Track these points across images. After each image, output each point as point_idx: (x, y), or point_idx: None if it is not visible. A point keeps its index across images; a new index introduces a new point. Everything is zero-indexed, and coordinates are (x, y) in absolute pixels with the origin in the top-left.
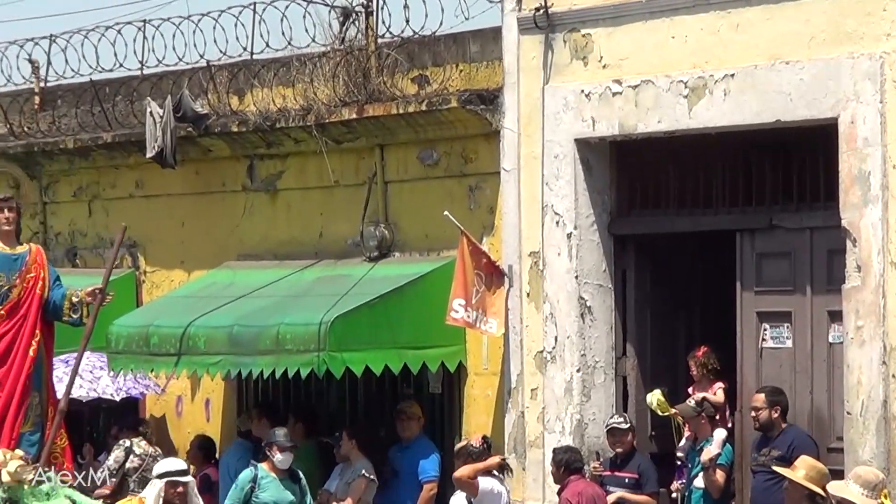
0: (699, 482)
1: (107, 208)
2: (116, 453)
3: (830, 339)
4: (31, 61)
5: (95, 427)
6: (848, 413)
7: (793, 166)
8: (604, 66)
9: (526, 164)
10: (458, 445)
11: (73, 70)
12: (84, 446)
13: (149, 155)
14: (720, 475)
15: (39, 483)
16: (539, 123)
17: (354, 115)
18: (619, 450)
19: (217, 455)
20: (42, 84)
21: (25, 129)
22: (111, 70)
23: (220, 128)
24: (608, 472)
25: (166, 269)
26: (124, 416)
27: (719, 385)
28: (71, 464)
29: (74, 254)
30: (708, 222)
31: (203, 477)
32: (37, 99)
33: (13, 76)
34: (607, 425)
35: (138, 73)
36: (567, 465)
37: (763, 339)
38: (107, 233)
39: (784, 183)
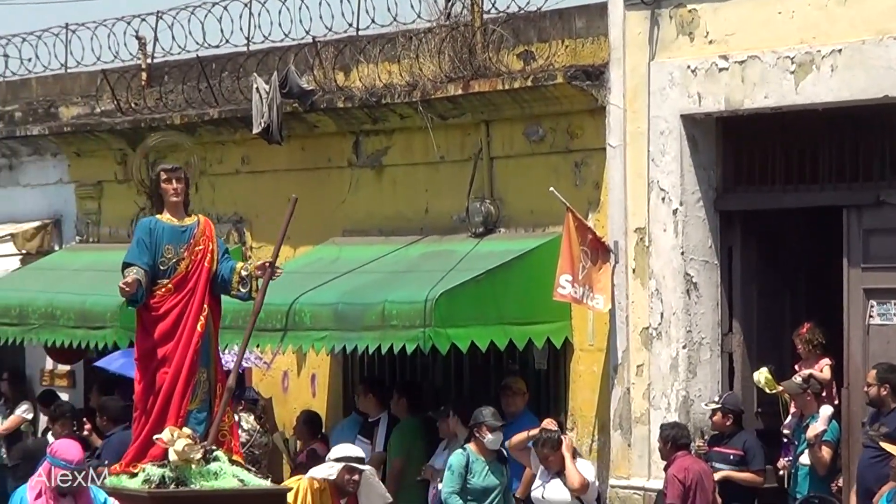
0: (805, 459)
1: (213, 184)
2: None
3: None
4: (138, 38)
5: None
6: None
7: None
8: (710, 42)
9: (632, 140)
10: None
11: (179, 46)
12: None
13: (255, 131)
14: (826, 452)
15: (207, 462)
16: (645, 99)
17: (460, 91)
18: (715, 432)
19: (323, 430)
20: (149, 60)
21: (132, 105)
22: (217, 46)
23: (326, 104)
24: (714, 449)
25: (272, 244)
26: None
27: (825, 361)
28: (238, 441)
29: None
30: (814, 198)
31: (310, 452)
32: (144, 75)
33: (121, 52)
34: (705, 404)
35: (245, 49)
36: (674, 440)
37: (870, 316)
38: (213, 209)
39: (892, 159)
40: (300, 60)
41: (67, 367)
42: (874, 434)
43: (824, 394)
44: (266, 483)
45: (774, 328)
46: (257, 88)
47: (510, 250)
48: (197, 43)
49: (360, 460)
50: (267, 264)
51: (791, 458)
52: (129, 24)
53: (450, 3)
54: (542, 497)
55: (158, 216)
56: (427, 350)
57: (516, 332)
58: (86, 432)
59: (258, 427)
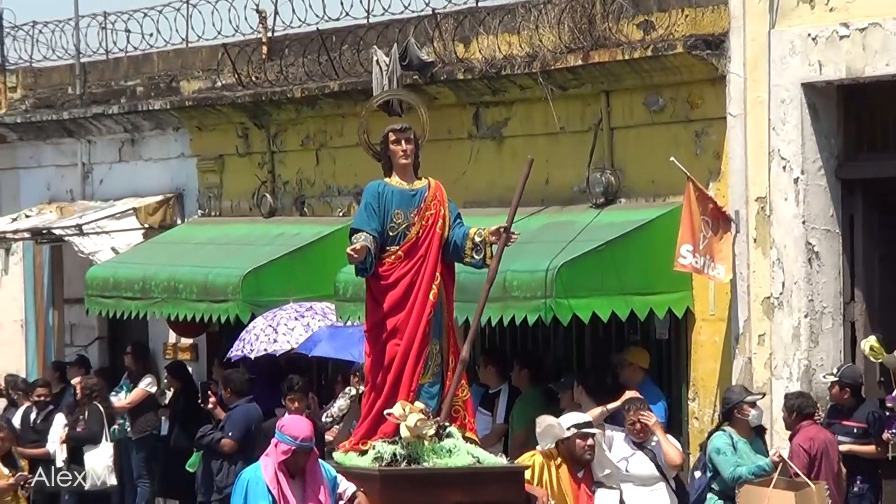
0: None
1: (334, 157)
2: (341, 402)
3: None
4: (258, 11)
5: (324, 376)
6: None
7: None
8: (830, 10)
9: (752, 109)
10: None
11: (299, 19)
12: (309, 395)
13: (375, 103)
14: None
15: (441, 438)
16: (765, 68)
17: (580, 62)
18: (834, 403)
19: None
20: (269, 34)
21: (253, 78)
22: (337, 19)
23: (446, 75)
24: (839, 422)
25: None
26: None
27: None
28: (473, 417)
29: (302, 202)
30: None
31: None
32: (264, 49)
33: (241, 26)
34: (824, 376)
35: (364, 21)
36: (799, 410)
37: None
38: (333, 181)
39: None
40: (420, 32)
41: (190, 341)
42: None
43: None
44: (503, 461)
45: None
46: (377, 61)
47: (631, 220)
48: (317, 16)
49: (589, 424)
50: (501, 229)
51: (895, 430)
52: None
53: None
54: (627, 471)
55: (387, 179)
56: (548, 321)
57: (637, 303)
58: (210, 405)
59: None
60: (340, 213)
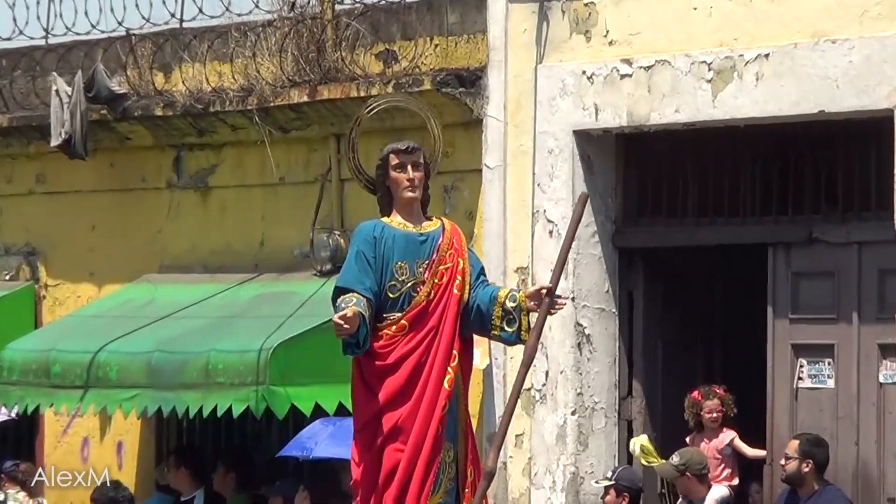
0: None
1: (0, 208)
2: None
3: (882, 379)
4: None
5: None
6: None
7: (838, 167)
8: (610, 43)
9: (513, 161)
10: None
11: None
12: None
13: (53, 143)
14: None
15: None
16: (530, 111)
17: (305, 98)
18: None
19: None
20: None
21: None
22: (9, 38)
23: (142, 111)
24: None
25: (72, 282)
26: None
27: (729, 435)
28: None
29: None
30: (734, 234)
31: None
32: None
33: None
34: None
35: (42, 42)
36: None
37: (799, 378)
38: (0, 237)
39: (827, 187)
40: (110, 57)
41: None
42: None
43: (722, 469)
44: None
45: (683, 391)
46: (57, 91)
47: None
48: None
49: None
50: (544, 291)
51: None
52: None
53: None
54: None
55: (385, 220)
56: (260, 413)
57: None
58: None
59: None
60: (7, 277)
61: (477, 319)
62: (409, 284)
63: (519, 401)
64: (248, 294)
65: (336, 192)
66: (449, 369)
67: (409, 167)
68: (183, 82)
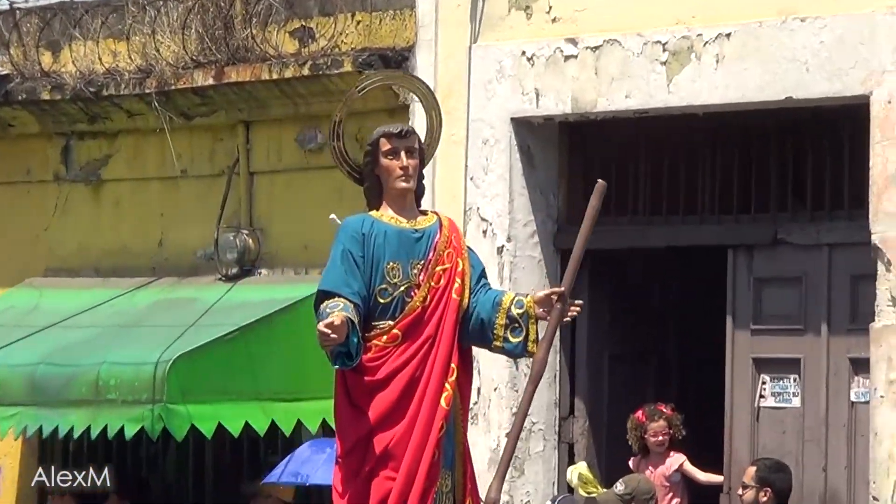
0: None
1: None
2: None
3: (853, 398)
4: None
5: None
6: (874, 499)
7: (806, 161)
8: (553, 20)
9: (444, 153)
10: None
11: None
12: None
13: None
14: None
15: None
16: (463, 96)
17: (211, 81)
18: None
19: None
20: None
21: None
22: None
23: (26, 94)
24: None
25: None
26: None
27: (678, 458)
28: None
29: None
30: (690, 235)
31: None
32: None
33: None
34: None
35: None
36: None
37: (761, 396)
38: None
39: (794, 183)
40: None
41: None
42: None
43: (671, 499)
44: None
45: (632, 410)
46: None
47: (274, 299)
48: None
49: None
50: (555, 296)
51: None
52: None
53: None
54: None
55: (374, 214)
56: (156, 434)
57: (280, 411)
58: None
59: None
60: None
61: (477, 329)
62: (403, 288)
63: None
64: (144, 300)
65: (244, 186)
66: (447, 385)
67: (403, 153)
68: (73, 62)
